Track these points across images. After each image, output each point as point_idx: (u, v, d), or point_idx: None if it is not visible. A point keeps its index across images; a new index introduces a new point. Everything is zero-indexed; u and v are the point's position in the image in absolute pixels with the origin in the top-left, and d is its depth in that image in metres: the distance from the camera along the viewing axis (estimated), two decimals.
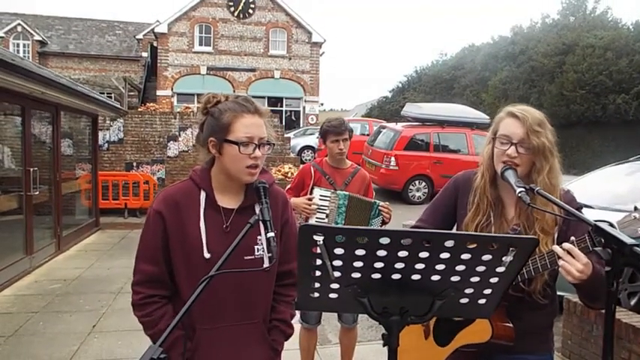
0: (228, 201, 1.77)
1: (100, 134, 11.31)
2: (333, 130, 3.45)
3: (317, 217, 3.28)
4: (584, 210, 1.73)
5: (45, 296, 5.86)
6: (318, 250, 1.17)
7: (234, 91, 24.77)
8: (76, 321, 5.10)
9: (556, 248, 1.54)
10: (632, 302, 5.53)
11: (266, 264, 1.69)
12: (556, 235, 1.76)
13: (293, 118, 28.24)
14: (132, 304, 1.76)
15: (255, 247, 1.73)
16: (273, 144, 1.80)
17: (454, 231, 1.95)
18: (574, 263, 1.49)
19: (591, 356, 4.07)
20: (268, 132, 1.75)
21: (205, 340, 1.73)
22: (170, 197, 1.75)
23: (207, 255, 1.68)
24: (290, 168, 11.62)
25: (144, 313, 1.73)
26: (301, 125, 26.26)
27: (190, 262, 1.69)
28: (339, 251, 1.17)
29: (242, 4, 26.80)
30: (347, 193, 3.31)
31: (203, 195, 1.76)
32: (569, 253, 1.50)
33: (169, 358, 1.69)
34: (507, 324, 1.75)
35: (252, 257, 1.73)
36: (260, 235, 1.73)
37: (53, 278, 6.60)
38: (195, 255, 1.69)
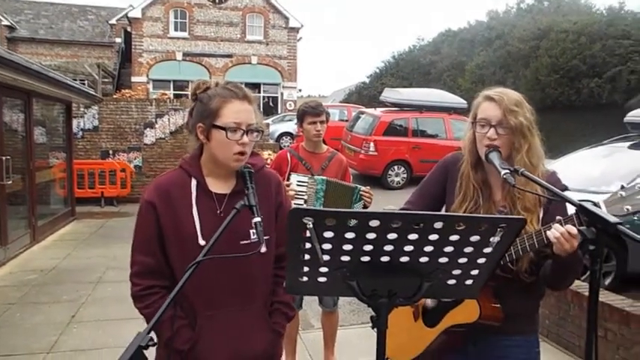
0: (220, 186, 1.76)
1: (75, 122, 11.07)
2: (311, 111, 3.45)
3: (295, 203, 3.26)
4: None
5: (21, 287, 5.76)
6: (308, 234, 1.16)
7: (210, 78, 24.46)
8: (55, 311, 5.03)
9: (550, 235, 1.56)
10: (607, 282, 5.67)
11: (263, 249, 1.67)
12: (541, 215, 1.79)
13: (271, 104, 28.04)
14: (131, 296, 1.75)
15: (251, 231, 1.71)
16: (262, 130, 1.79)
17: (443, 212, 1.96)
18: (572, 241, 1.52)
19: (569, 335, 4.17)
20: (257, 119, 1.73)
21: (208, 327, 1.73)
22: (161, 187, 1.74)
23: (202, 242, 1.67)
24: (269, 154, 11.57)
25: (144, 305, 1.72)
26: (279, 111, 26.10)
27: (186, 250, 1.67)
28: (328, 234, 1.17)
29: None
30: (324, 177, 3.30)
31: (194, 182, 1.75)
32: (563, 235, 1.52)
33: (173, 347, 1.69)
34: (495, 304, 1.77)
35: (248, 242, 1.72)
36: None
37: (29, 269, 6.48)
38: (191, 242, 1.68)
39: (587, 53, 22.37)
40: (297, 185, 3.28)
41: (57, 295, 5.50)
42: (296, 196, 3.26)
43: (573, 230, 1.51)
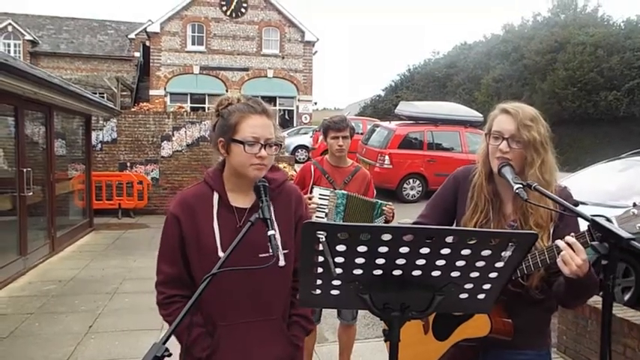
0: (241, 201, 1.82)
1: (94, 134, 11.23)
2: (334, 125, 3.47)
3: (316, 216, 3.27)
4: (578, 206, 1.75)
5: (40, 297, 5.83)
6: (320, 247, 1.18)
7: (227, 91, 24.69)
8: (72, 322, 5.08)
9: (559, 242, 1.55)
10: (626, 297, 5.58)
11: (281, 262, 1.70)
12: (552, 231, 1.78)
13: (287, 117, 28.22)
14: (157, 303, 1.83)
15: (269, 244, 1.75)
16: (281, 144, 1.83)
17: (454, 227, 1.96)
18: (574, 257, 1.51)
19: (586, 351, 4.10)
20: (276, 133, 1.78)
21: (226, 337, 1.77)
22: (184, 200, 1.82)
23: (221, 254, 1.72)
24: (285, 167, 11.62)
25: (167, 313, 1.79)
26: (295, 124, 26.24)
27: (206, 262, 1.72)
28: (341, 248, 1.18)
29: (234, 3, 26.75)
30: (345, 192, 3.31)
31: (216, 196, 1.81)
32: (570, 246, 1.52)
33: (192, 354, 1.74)
34: (506, 319, 1.77)
35: (267, 254, 1.74)
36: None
37: (48, 279, 6.57)
38: (211, 255, 1.73)
39: (605, 66, 22.22)
40: (319, 198, 3.29)
41: (75, 306, 5.57)
42: (318, 209, 3.27)
43: (576, 244, 1.51)
